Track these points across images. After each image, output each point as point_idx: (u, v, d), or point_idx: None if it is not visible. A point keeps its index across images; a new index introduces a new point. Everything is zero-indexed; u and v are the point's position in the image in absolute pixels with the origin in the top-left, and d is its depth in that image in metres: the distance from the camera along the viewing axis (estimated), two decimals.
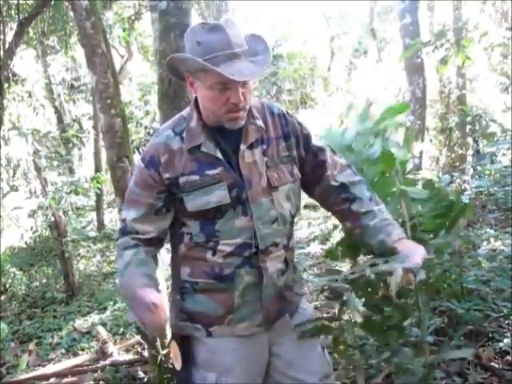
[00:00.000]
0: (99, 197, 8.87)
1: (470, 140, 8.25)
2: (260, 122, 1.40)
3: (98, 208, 9.52)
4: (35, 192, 7.54)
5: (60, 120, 9.24)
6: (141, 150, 8.51)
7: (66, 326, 5.23)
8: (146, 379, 3.37)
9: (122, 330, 4.76)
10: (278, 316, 1.42)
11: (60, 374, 3.82)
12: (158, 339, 3.04)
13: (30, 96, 8.01)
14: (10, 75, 5.95)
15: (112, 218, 10.16)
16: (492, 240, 3.07)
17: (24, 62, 8.88)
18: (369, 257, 1.53)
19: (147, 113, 10.00)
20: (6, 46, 5.16)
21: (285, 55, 11.81)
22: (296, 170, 1.44)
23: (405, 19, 6.81)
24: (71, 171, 8.90)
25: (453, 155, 8.52)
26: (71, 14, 4.05)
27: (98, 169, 9.41)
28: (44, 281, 6.96)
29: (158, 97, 3.27)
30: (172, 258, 1.48)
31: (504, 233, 3.22)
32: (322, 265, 5.11)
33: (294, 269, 1.49)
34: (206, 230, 1.35)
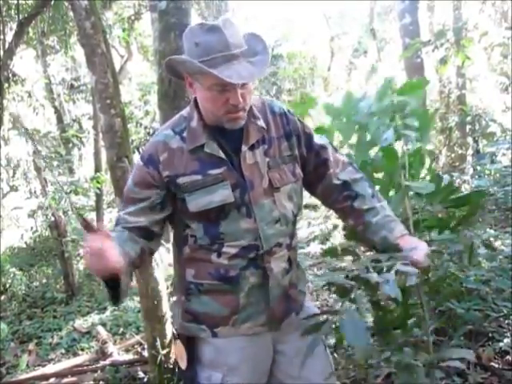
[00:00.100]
0: (99, 197, 8.86)
1: (469, 140, 8.25)
2: (261, 122, 1.39)
3: (98, 208, 9.51)
4: (35, 192, 7.55)
5: (60, 120, 9.22)
6: (141, 149, 8.50)
7: (66, 326, 5.23)
8: (145, 379, 3.37)
9: (121, 329, 4.76)
10: (284, 316, 1.42)
11: (60, 374, 3.82)
12: (158, 339, 3.04)
13: (29, 96, 8.01)
14: (10, 75, 5.95)
15: (112, 218, 10.15)
16: (492, 240, 3.07)
17: (24, 61, 8.87)
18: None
19: (147, 113, 9.99)
20: (6, 46, 5.16)
21: (285, 55, 11.80)
22: (298, 170, 1.44)
23: (405, 19, 6.82)
24: (71, 171, 8.89)
25: (453, 155, 8.52)
26: (71, 13, 4.05)
27: (97, 169, 9.40)
28: (44, 281, 6.97)
29: (157, 97, 3.28)
30: (176, 259, 1.48)
31: (504, 233, 3.22)
32: (323, 264, 5.11)
33: (297, 266, 1.49)
34: (210, 232, 1.34)
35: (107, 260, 1.15)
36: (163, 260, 3.85)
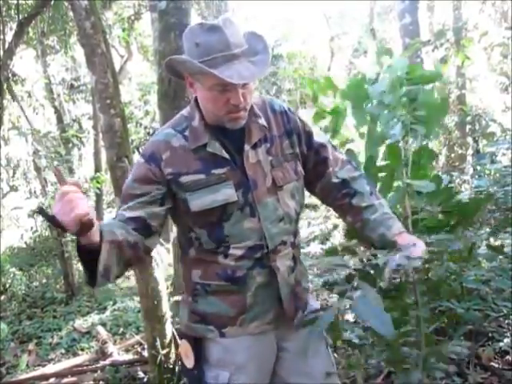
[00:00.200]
0: (99, 197, 8.86)
1: (469, 140, 8.25)
2: (262, 121, 1.39)
3: (98, 208, 9.51)
4: (35, 192, 7.55)
5: (60, 120, 9.22)
6: (141, 149, 8.51)
7: (66, 326, 5.24)
8: (145, 379, 3.37)
9: (121, 329, 4.77)
10: (295, 313, 1.43)
11: (60, 374, 3.82)
12: (158, 339, 3.04)
13: (29, 96, 8.02)
14: (10, 75, 5.95)
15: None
16: (492, 240, 3.06)
17: (24, 61, 8.89)
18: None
19: (147, 113, 9.99)
20: (6, 46, 5.16)
21: (285, 55, 11.80)
22: (300, 168, 1.44)
23: (404, 19, 6.81)
24: (71, 171, 8.89)
25: (452, 155, 8.52)
26: (71, 13, 4.05)
27: (97, 169, 9.41)
28: (44, 281, 6.97)
29: (157, 97, 3.28)
30: (181, 260, 1.47)
31: (504, 232, 3.22)
32: (322, 262, 5.11)
33: (300, 263, 1.50)
34: (214, 236, 1.33)
35: (76, 207, 1.05)
36: (163, 260, 3.85)
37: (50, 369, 4.01)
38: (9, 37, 5.45)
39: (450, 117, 8.67)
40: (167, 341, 3.08)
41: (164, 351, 3.04)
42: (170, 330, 3.11)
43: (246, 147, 1.35)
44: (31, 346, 4.62)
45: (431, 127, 1.67)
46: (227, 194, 1.31)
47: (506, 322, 2.61)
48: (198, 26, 1.27)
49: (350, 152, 1.82)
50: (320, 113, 1.94)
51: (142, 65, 12.23)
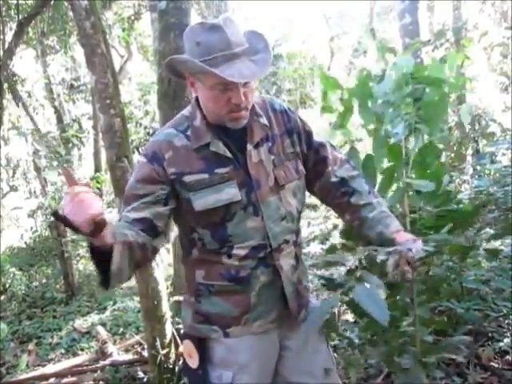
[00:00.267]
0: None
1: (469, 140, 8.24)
2: (264, 120, 1.39)
3: None
4: (35, 192, 7.55)
5: (60, 120, 9.22)
6: (141, 149, 8.50)
7: (66, 326, 5.24)
8: (145, 379, 3.37)
9: (121, 330, 4.77)
10: (298, 312, 1.43)
11: (60, 374, 3.82)
12: (158, 339, 3.04)
13: (29, 96, 8.02)
14: (10, 75, 5.95)
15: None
16: (492, 241, 3.06)
17: (24, 61, 8.89)
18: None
19: (147, 113, 9.98)
20: (6, 45, 5.16)
21: (284, 55, 11.79)
22: (301, 167, 1.44)
23: (404, 19, 6.81)
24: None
25: (452, 155, 8.52)
26: (71, 13, 4.05)
27: (97, 169, 9.41)
28: (44, 281, 6.97)
29: (157, 97, 3.28)
30: (183, 261, 1.46)
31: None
32: (321, 259, 5.11)
33: (301, 262, 1.50)
34: (217, 236, 1.33)
35: (88, 207, 1.04)
36: (163, 260, 3.85)
37: (50, 369, 4.01)
38: (9, 37, 5.46)
39: (450, 117, 8.67)
40: (167, 341, 3.08)
41: (164, 351, 3.04)
42: (169, 330, 3.11)
43: (249, 146, 1.35)
44: (31, 346, 4.62)
45: (435, 126, 1.67)
46: (231, 193, 1.31)
47: (506, 321, 2.61)
48: (199, 25, 1.27)
49: (353, 150, 1.82)
50: (327, 107, 1.94)
51: (142, 65, 12.23)
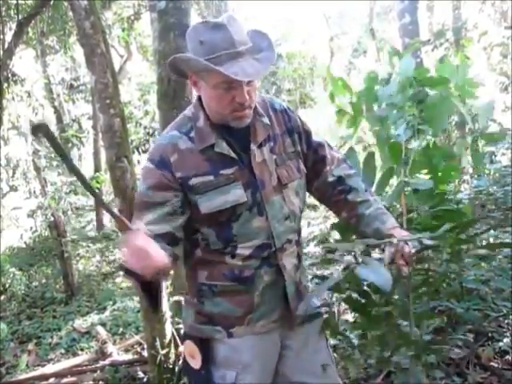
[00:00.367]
0: None
1: (469, 139, 8.25)
2: (266, 119, 1.39)
3: (97, 208, 9.51)
4: (34, 192, 7.54)
5: (59, 120, 9.23)
6: (140, 149, 8.49)
7: (66, 326, 5.24)
8: (145, 379, 3.37)
9: (121, 329, 4.77)
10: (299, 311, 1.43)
11: (59, 374, 3.82)
12: (158, 339, 3.04)
13: (29, 96, 8.00)
14: (10, 75, 5.95)
15: (111, 219, 10.14)
16: (491, 240, 3.06)
17: (23, 61, 8.88)
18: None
19: (146, 113, 9.98)
20: (6, 45, 5.16)
21: (284, 55, 11.79)
22: (302, 166, 1.45)
23: (404, 19, 6.81)
24: None
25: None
26: (70, 13, 4.04)
27: (97, 169, 9.42)
28: (43, 281, 6.97)
29: (157, 96, 3.27)
30: (186, 262, 1.45)
31: (503, 232, 3.21)
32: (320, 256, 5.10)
33: (302, 261, 1.51)
34: (223, 236, 1.33)
35: (153, 257, 1.09)
36: None
37: (50, 369, 4.01)
38: (8, 37, 5.45)
39: (449, 117, 8.66)
40: (167, 341, 3.07)
41: (164, 351, 3.03)
42: (169, 329, 3.10)
43: (253, 146, 1.35)
44: (31, 346, 4.62)
45: (438, 127, 1.68)
46: (237, 194, 1.30)
47: (506, 321, 2.61)
48: (202, 24, 1.27)
49: (351, 150, 1.83)
50: (342, 111, 1.95)
51: (142, 65, 12.24)
